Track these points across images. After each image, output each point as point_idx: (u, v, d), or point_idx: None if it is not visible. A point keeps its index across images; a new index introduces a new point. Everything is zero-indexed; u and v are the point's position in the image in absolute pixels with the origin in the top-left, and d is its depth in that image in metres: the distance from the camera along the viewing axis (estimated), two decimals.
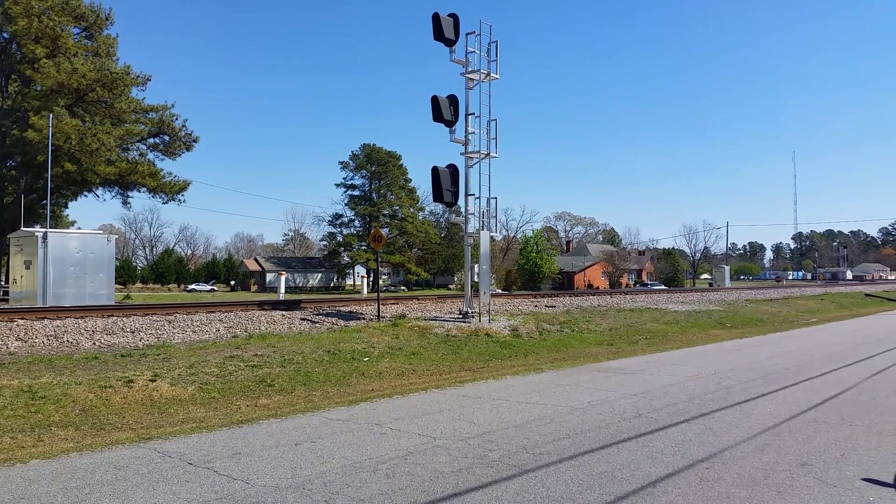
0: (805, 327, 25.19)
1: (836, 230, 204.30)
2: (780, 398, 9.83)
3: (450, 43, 19.44)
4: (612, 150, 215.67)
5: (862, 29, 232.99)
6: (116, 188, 46.26)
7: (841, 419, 8.30)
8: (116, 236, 39.68)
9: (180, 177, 46.77)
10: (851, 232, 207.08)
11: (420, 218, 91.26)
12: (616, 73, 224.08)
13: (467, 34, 19.65)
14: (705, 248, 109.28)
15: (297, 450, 6.83)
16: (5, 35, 43.41)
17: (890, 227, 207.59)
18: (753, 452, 6.66)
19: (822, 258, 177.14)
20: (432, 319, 19.43)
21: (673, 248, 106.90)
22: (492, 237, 20.46)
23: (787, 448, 6.84)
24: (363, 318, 19.43)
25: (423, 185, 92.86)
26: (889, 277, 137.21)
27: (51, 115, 35.87)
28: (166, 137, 46.08)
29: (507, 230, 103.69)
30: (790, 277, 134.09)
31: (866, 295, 51.76)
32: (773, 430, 7.65)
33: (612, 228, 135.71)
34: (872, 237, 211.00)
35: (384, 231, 78.19)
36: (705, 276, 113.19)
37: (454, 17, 19.43)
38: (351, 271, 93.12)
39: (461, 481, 5.75)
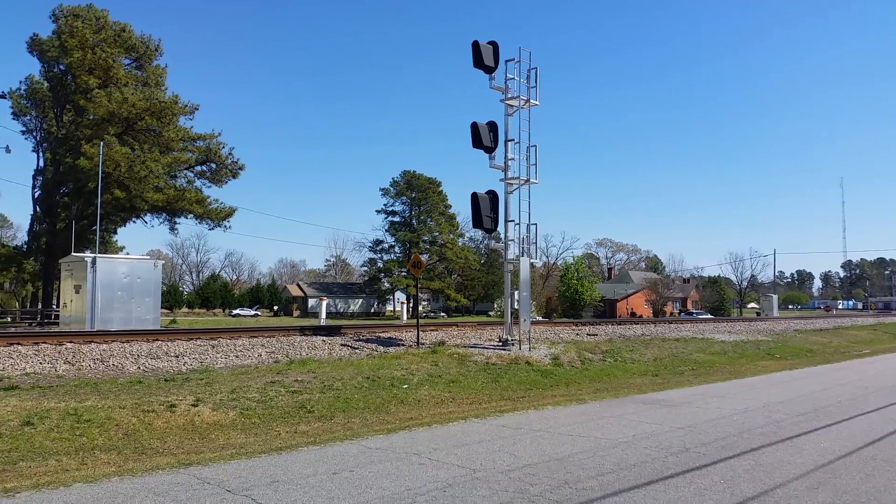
0: (857, 359, 24.31)
1: (887, 258, 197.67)
2: (834, 433, 9.44)
3: (489, 70, 19.51)
4: (653, 176, 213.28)
5: None
6: (164, 214, 47.31)
7: None
8: (163, 262, 40.51)
9: (226, 203, 47.63)
10: None
11: (460, 244, 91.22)
12: (658, 98, 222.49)
13: (507, 61, 19.69)
14: (752, 276, 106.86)
15: (335, 479, 6.75)
16: (61, 67, 45.18)
17: None
18: (807, 491, 6.36)
19: (874, 287, 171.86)
20: (472, 347, 19.27)
21: (719, 276, 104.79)
22: (532, 264, 20.28)
23: (843, 487, 6.53)
24: (402, 345, 19.38)
25: (462, 211, 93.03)
26: None
27: (101, 144, 37.00)
28: (213, 165, 47.13)
29: (547, 257, 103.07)
30: (840, 307, 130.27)
31: None
32: (828, 468, 7.32)
33: (656, 255, 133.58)
34: None
35: (424, 257, 78.43)
36: (752, 304, 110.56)
37: (494, 44, 19.51)
38: (391, 297, 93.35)
39: None
